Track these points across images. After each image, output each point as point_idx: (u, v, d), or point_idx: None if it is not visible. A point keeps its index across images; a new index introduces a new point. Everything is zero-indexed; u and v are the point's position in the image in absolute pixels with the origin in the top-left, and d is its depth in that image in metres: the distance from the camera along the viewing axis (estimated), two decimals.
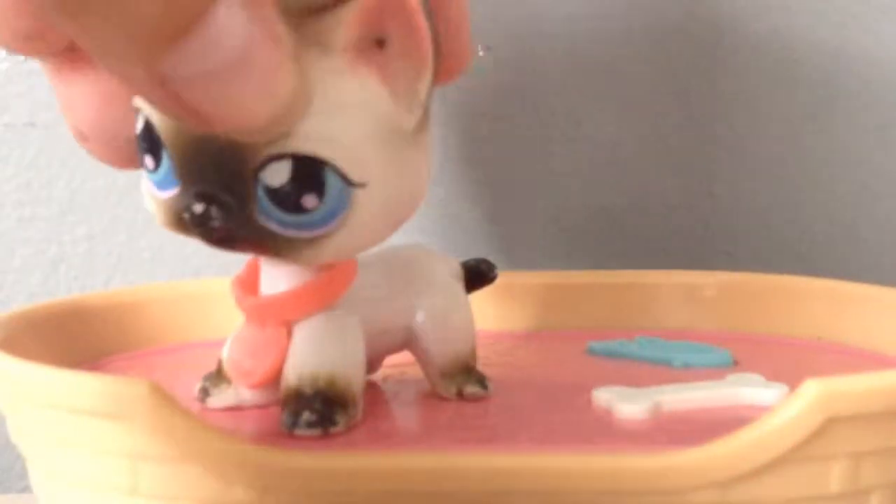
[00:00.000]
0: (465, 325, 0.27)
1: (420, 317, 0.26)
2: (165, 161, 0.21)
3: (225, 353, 0.25)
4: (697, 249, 0.39)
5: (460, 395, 0.26)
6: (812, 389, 0.20)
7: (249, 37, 0.17)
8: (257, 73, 0.18)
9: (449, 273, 0.27)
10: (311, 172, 0.21)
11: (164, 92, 0.17)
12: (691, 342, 0.30)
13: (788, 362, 0.29)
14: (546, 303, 0.33)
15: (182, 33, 0.17)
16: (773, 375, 0.26)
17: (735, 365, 0.29)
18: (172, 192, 0.22)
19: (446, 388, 0.26)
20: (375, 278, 0.25)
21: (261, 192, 0.21)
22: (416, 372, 0.27)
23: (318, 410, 0.23)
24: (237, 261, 0.24)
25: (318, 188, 0.21)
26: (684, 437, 0.22)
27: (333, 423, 0.23)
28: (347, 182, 0.21)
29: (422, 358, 0.26)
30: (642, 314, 0.33)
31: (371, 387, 0.27)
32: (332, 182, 0.21)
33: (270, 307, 0.24)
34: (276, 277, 0.24)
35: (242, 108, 0.18)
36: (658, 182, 0.39)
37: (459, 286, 0.27)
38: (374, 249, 0.23)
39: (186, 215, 0.21)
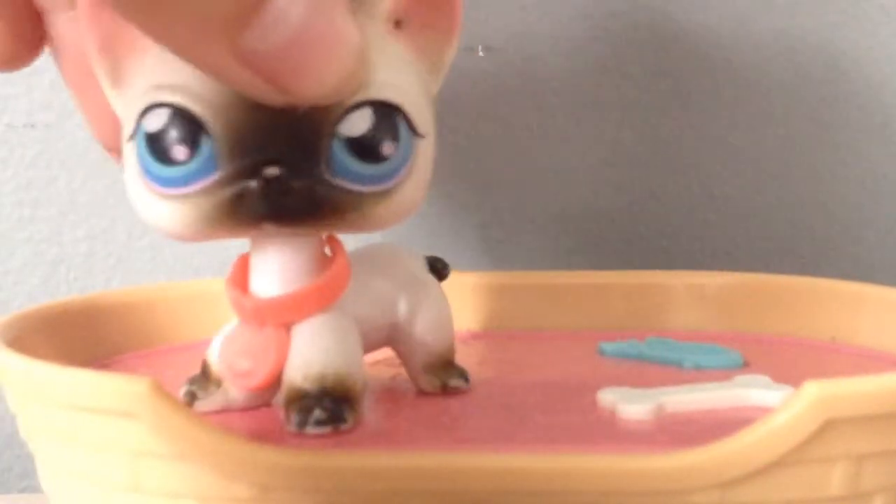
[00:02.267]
0: (447, 319, 0.27)
1: (403, 313, 0.26)
2: (207, 146, 0.21)
3: (214, 355, 0.25)
4: (697, 249, 0.39)
5: (444, 389, 0.26)
6: (812, 391, 0.20)
7: (311, 2, 0.18)
8: (328, 35, 0.19)
9: (423, 268, 0.27)
10: (389, 118, 0.22)
11: (243, 69, 0.18)
12: (702, 343, 0.30)
13: (800, 364, 0.29)
14: (557, 303, 0.33)
15: (254, 9, 0.17)
16: (784, 377, 0.26)
17: (745, 366, 0.29)
18: (209, 179, 0.22)
19: (430, 382, 0.26)
20: (358, 277, 0.25)
21: (337, 148, 0.21)
22: None
23: (328, 409, 0.23)
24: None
25: (395, 134, 0.22)
26: (686, 439, 0.22)
27: (343, 420, 0.23)
28: (413, 131, 0.22)
29: (405, 353, 0.26)
30: (654, 315, 0.33)
31: (372, 385, 0.27)
32: (402, 130, 0.22)
33: (273, 308, 0.24)
34: (271, 277, 0.24)
35: (320, 72, 0.19)
36: (658, 182, 0.39)
37: (435, 280, 0.27)
38: (350, 248, 0.24)
39: (255, 183, 0.21)
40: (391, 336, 0.26)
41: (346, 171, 0.22)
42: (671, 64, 0.39)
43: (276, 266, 0.24)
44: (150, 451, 0.21)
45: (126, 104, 0.23)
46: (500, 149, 0.39)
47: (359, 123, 0.22)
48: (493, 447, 0.22)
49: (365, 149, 0.22)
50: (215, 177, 0.21)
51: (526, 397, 0.26)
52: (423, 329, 0.26)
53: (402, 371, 0.27)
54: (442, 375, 0.26)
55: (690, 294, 0.33)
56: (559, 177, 0.39)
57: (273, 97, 0.19)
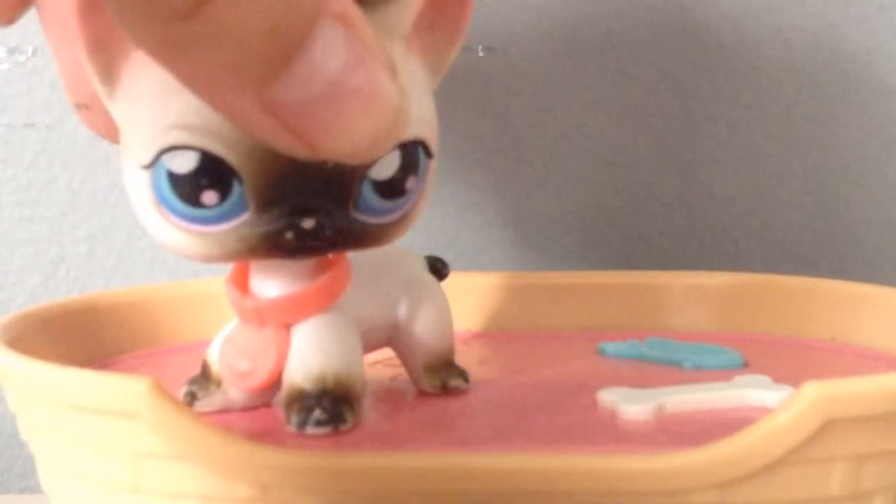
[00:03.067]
0: (447, 318, 0.27)
1: (404, 313, 0.26)
2: (237, 190, 0.21)
3: (214, 356, 0.25)
4: (697, 249, 0.39)
5: (444, 389, 0.26)
6: (811, 391, 0.20)
7: (351, 57, 0.17)
8: (365, 92, 0.18)
9: (423, 268, 0.27)
10: (413, 154, 0.22)
11: (271, 121, 0.17)
12: (702, 343, 0.30)
13: (800, 364, 0.29)
14: (558, 303, 0.33)
15: (286, 59, 0.17)
16: (784, 377, 0.26)
17: (745, 366, 0.29)
18: (238, 220, 0.21)
19: (430, 382, 0.26)
20: (358, 277, 0.25)
21: (366, 189, 0.22)
22: None
23: (328, 409, 0.23)
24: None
25: (417, 167, 0.22)
26: (687, 439, 0.22)
27: (343, 420, 0.23)
28: (429, 155, 0.23)
29: (405, 353, 0.26)
30: (654, 315, 0.33)
31: (372, 385, 0.27)
32: (421, 160, 0.22)
33: (273, 308, 0.24)
34: (271, 278, 0.24)
35: (353, 130, 0.18)
36: (658, 182, 0.39)
37: (435, 280, 0.27)
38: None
39: (290, 234, 0.21)
40: (391, 336, 0.26)
41: (371, 208, 0.22)
42: (671, 64, 0.39)
43: (276, 267, 0.24)
44: (150, 451, 0.21)
45: (129, 117, 0.22)
46: (500, 149, 0.39)
47: (388, 167, 0.22)
48: (493, 447, 0.22)
49: (391, 188, 0.22)
50: (244, 218, 0.21)
51: (526, 397, 0.26)
52: (423, 329, 0.26)
53: (402, 371, 0.27)
54: (442, 375, 0.26)
55: (690, 294, 0.33)
56: (559, 177, 0.39)
57: (299, 152, 0.18)
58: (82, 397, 0.21)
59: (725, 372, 0.27)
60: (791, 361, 0.29)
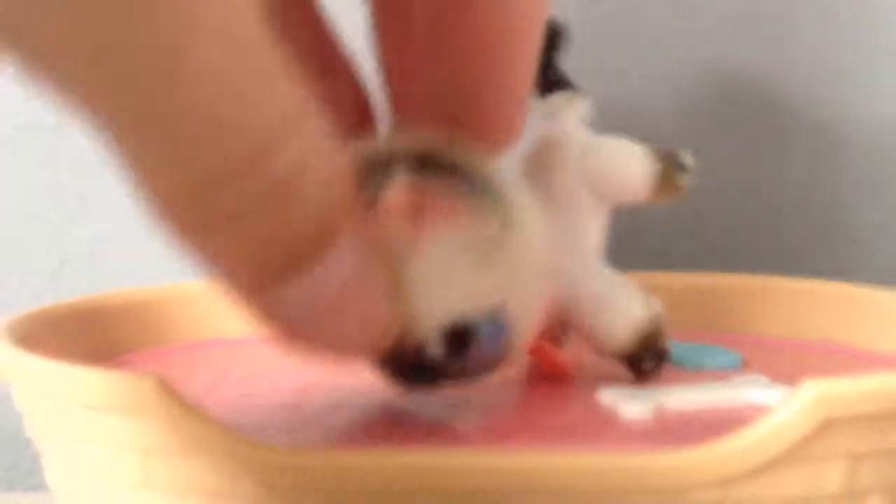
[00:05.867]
0: None
1: None
2: None
3: None
4: (697, 249, 0.39)
5: None
6: (810, 390, 0.20)
7: (356, 277, 0.18)
8: (360, 311, 0.18)
9: None
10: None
11: (269, 322, 0.18)
12: (701, 344, 0.30)
13: (798, 364, 0.29)
14: None
15: (297, 272, 0.17)
16: (782, 377, 0.26)
17: (745, 367, 0.29)
18: None
19: None
20: None
21: None
22: None
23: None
24: None
25: None
26: (687, 438, 0.22)
27: None
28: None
29: None
30: None
31: (373, 386, 0.27)
32: None
33: None
34: None
35: (340, 346, 0.19)
36: None
37: None
38: None
39: None
40: None
41: None
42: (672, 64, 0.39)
43: None
44: (157, 448, 0.21)
45: None
46: None
47: None
48: (493, 447, 0.22)
49: None
50: None
51: (526, 396, 0.26)
52: None
53: None
54: None
55: (690, 294, 0.33)
56: None
57: (290, 352, 0.19)
58: (90, 394, 0.21)
59: (725, 372, 0.28)
60: (789, 362, 0.30)
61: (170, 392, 0.21)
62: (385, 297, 0.19)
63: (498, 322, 0.22)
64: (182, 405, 0.21)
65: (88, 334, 0.29)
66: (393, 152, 0.21)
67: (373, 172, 0.20)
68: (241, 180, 0.15)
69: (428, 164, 0.20)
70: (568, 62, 0.28)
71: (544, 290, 0.23)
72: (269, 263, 0.17)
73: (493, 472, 0.20)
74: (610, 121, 0.39)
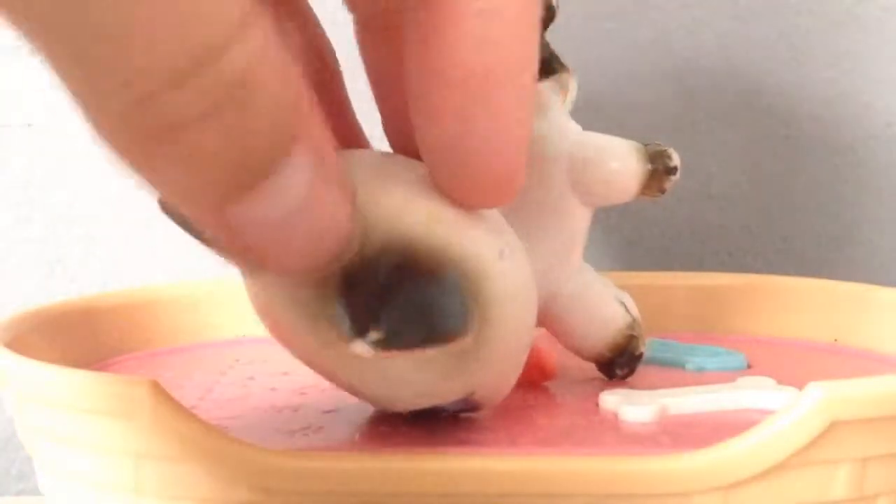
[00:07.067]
0: None
1: None
2: None
3: None
4: (697, 249, 0.39)
5: None
6: (816, 393, 0.20)
7: (313, 187, 0.17)
8: (320, 220, 0.18)
9: None
10: None
11: (227, 235, 0.17)
12: (705, 345, 0.30)
13: (803, 366, 0.29)
14: None
15: (252, 184, 0.17)
16: (787, 379, 0.26)
17: (749, 368, 0.28)
18: None
19: None
20: None
21: None
22: None
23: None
24: None
25: None
26: (690, 441, 0.22)
27: None
28: None
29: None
30: (655, 317, 0.32)
31: None
32: None
33: None
34: None
35: (303, 254, 0.18)
36: None
37: None
38: None
39: None
40: None
41: None
42: (672, 63, 0.39)
43: None
44: (149, 452, 0.21)
45: None
46: None
47: None
48: (495, 449, 0.22)
49: None
50: None
51: (527, 399, 0.26)
52: None
53: None
54: None
55: (692, 295, 0.33)
56: None
57: (251, 269, 0.19)
58: (81, 398, 0.21)
59: (728, 374, 0.27)
60: (794, 363, 0.29)
61: (163, 396, 0.21)
62: (343, 208, 0.18)
63: (466, 402, 0.22)
64: (176, 409, 0.21)
65: (81, 336, 0.29)
66: (369, 264, 0.20)
67: (350, 290, 0.20)
68: (188, 82, 0.15)
69: (403, 271, 0.20)
70: (568, 63, 0.28)
71: (525, 352, 0.23)
72: (224, 176, 0.17)
73: (492, 476, 0.20)
74: (610, 121, 0.39)
